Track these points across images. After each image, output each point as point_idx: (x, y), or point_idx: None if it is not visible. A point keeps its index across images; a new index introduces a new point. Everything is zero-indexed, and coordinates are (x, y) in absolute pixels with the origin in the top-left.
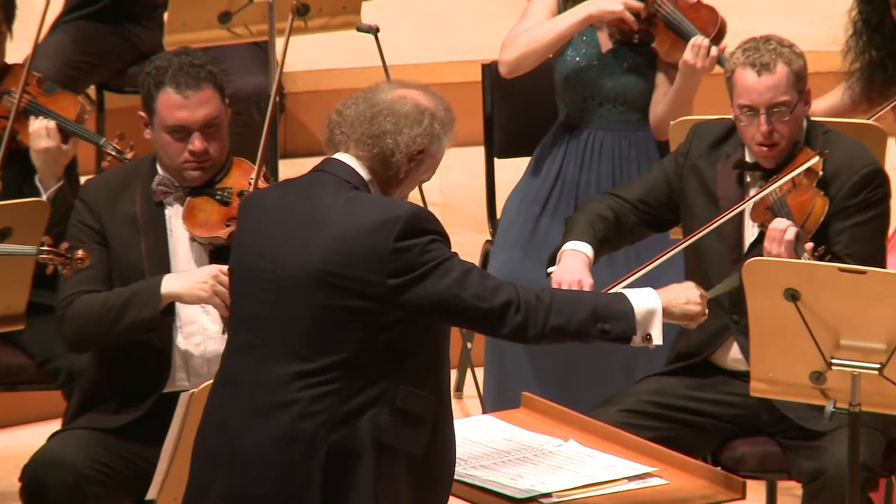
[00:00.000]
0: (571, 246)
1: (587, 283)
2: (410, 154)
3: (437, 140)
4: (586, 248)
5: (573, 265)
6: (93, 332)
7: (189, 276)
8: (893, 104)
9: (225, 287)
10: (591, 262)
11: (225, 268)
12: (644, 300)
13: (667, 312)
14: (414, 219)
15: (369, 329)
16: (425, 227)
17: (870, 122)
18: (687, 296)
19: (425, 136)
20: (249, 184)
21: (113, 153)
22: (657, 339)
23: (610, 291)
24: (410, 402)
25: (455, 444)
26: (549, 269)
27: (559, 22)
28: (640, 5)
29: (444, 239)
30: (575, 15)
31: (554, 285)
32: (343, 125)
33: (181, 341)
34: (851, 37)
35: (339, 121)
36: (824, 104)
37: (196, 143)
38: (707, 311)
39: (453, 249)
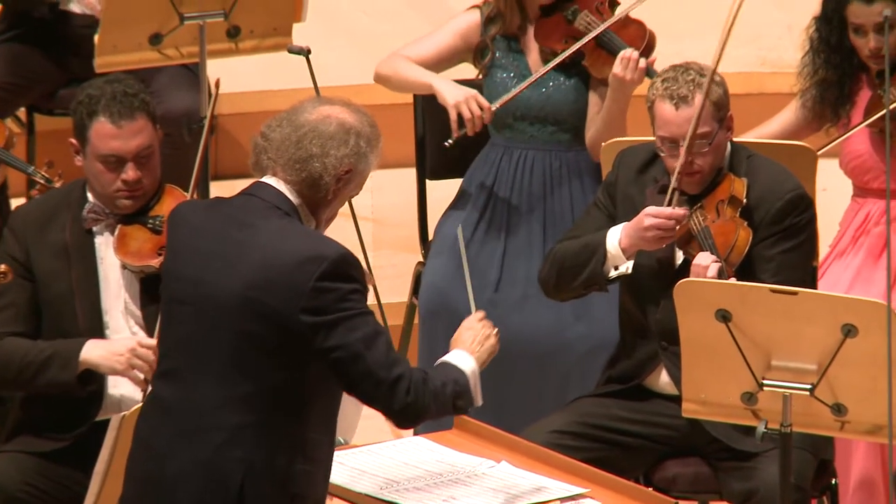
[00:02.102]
0: (609, 237)
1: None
2: (338, 175)
3: (364, 158)
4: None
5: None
6: (11, 382)
7: (108, 345)
8: (851, 133)
9: (143, 360)
10: None
11: (146, 340)
12: (466, 365)
13: (478, 362)
14: (341, 261)
15: (287, 360)
16: (350, 274)
17: (800, 143)
18: (475, 335)
19: (352, 156)
20: None
21: (42, 181)
22: (479, 401)
23: (440, 362)
24: (317, 450)
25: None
26: (613, 274)
27: (426, 78)
28: (479, 112)
29: (365, 291)
30: (436, 84)
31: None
32: (269, 150)
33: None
34: (807, 55)
35: (264, 145)
36: (775, 123)
37: (130, 172)
38: (495, 330)
39: (386, 270)
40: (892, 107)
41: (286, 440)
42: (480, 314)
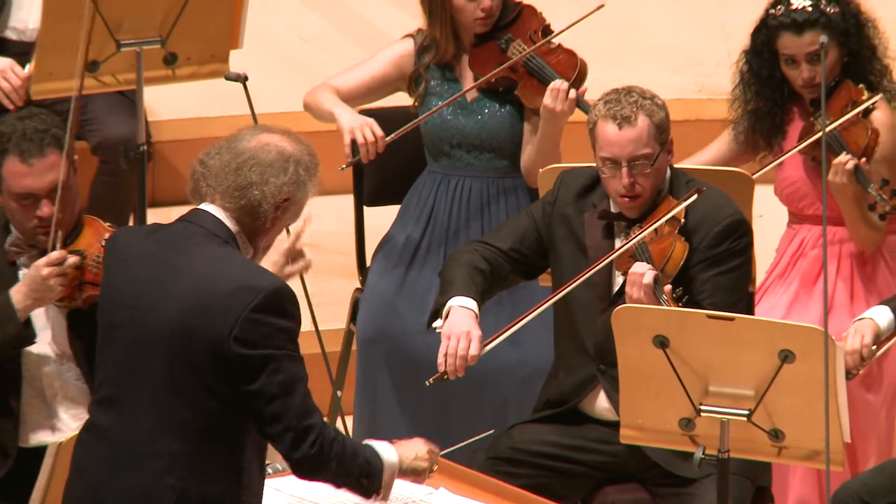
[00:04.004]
0: (458, 302)
1: (476, 335)
2: (277, 203)
3: (302, 186)
4: (472, 305)
5: (462, 319)
6: None
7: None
8: (783, 159)
9: (61, 274)
10: (477, 318)
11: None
12: (390, 456)
13: (400, 468)
14: (276, 295)
15: (221, 388)
16: (285, 308)
17: (737, 169)
18: (416, 451)
19: (291, 184)
20: (102, 246)
21: None
22: (386, 497)
23: (369, 443)
24: (251, 478)
25: None
26: (435, 325)
27: (330, 105)
28: (372, 139)
29: (297, 328)
30: (336, 111)
31: (444, 339)
32: (208, 177)
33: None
34: (738, 87)
35: (203, 172)
36: (710, 152)
37: (44, 208)
38: (434, 467)
39: (323, 297)
40: (827, 130)
41: (220, 468)
42: (433, 449)
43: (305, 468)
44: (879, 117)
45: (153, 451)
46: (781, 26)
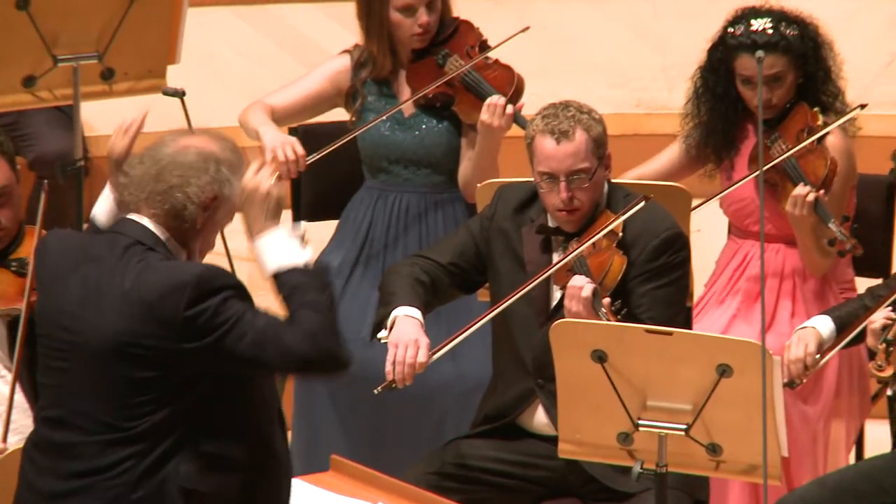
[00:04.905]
0: (403, 312)
1: (424, 342)
2: (203, 203)
3: (227, 184)
4: (417, 314)
5: (408, 327)
6: None
7: None
8: (739, 184)
9: None
10: (423, 326)
11: None
12: (288, 258)
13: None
14: (201, 281)
15: (171, 393)
16: (215, 286)
17: (675, 184)
18: (254, 206)
19: (214, 183)
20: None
21: None
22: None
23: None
24: (217, 447)
25: (289, 485)
26: (380, 335)
27: (255, 124)
28: (293, 158)
29: (238, 290)
30: (260, 130)
31: (391, 348)
32: (131, 186)
33: None
34: (692, 102)
35: (126, 182)
36: (659, 162)
37: None
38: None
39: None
40: (781, 158)
41: (172, 447)
42: (254, 167)
43: (327, 365)
44: (833, 142)
45: (103, 466)
46: (741, 46)
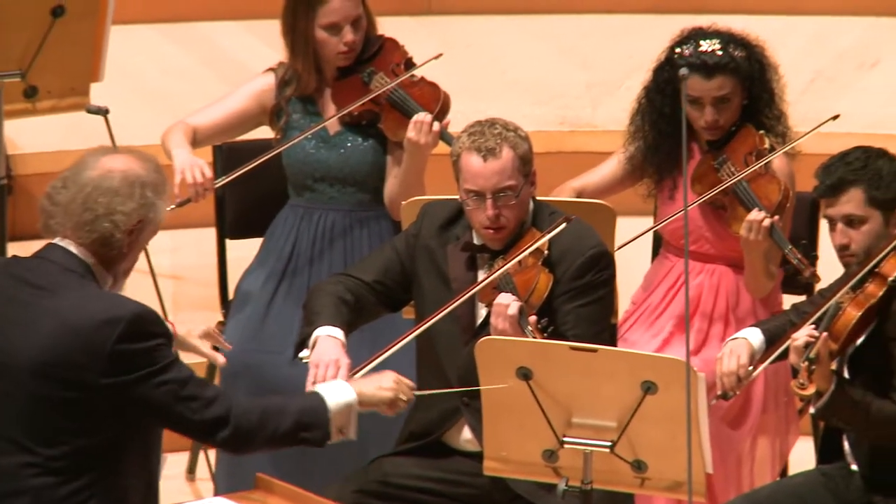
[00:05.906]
0: (325, 332)
1: (344, 362)
2: (130, 229)
3: (152, 207)
4: (339, 333)
5: (330, 348)
6: None
7: None
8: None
9: None
10: (345, 346)
11: None
12: (339, 395)
13: (362, 402)
14: (138, 320)
15: (87, 422)
16: (150, 331)
17: (599, 201)
18: (378, 382)
19: (140, 209)
20: None
21: None
22: (352, 434)
23: (309, 391)
24: (125, 493)
25: None
26: (302, 354)
27: (169, 145)
28: (201, 180)
29: (168, 342)
30: (172, 151)
31: (312, 368)
32: (56, 214)
33: None
34: (636, 120)
35: (51, 210)
36: (598, 174)
37: None
38: (408, 396)
39: (187, 329)
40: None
41: (96, 498)
42: (399, 378)
43: (231, 450)
44: (779, 165)
45: (20, 489)
46: (690, 67)
